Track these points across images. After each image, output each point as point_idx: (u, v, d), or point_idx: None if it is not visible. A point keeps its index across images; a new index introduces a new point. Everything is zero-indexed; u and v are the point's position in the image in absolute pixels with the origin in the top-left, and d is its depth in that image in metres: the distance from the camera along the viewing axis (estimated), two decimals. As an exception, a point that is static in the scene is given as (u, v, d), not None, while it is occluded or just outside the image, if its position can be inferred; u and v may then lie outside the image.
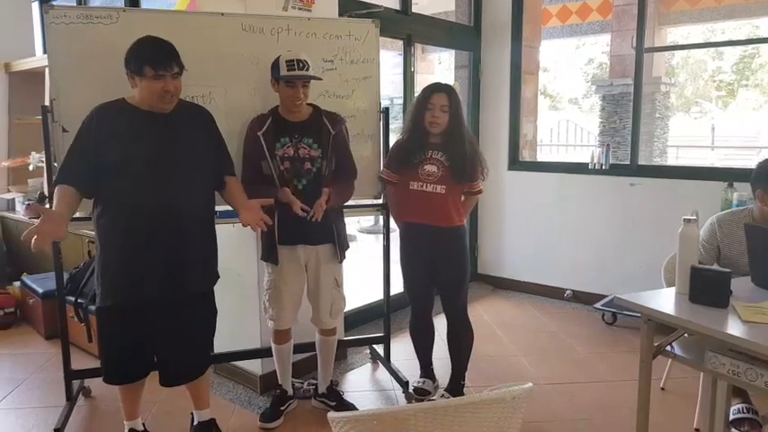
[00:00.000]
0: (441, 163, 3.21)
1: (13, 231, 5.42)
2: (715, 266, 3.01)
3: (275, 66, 2.94)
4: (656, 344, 2.43)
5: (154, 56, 2.50)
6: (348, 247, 3.28)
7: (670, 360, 2.63)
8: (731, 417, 2.91)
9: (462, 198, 3.34)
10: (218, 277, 2.87)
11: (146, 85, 2.51)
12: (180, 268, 2.65)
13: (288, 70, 2.89)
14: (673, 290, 2.50)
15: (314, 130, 3.04)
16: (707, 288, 2.33)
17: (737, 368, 2.11)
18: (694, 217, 2.46)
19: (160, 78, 2.50)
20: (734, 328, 2.11)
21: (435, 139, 3.23)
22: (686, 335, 2.47)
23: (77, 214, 2.68)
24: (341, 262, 3.19)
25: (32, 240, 2.26)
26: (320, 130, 3.05)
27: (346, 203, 3.31)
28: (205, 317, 2.86)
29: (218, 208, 2.91)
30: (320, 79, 3.07)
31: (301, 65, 2.90)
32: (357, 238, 8.56)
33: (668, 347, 2.44)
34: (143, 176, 2.56)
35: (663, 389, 3.57)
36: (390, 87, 5.96)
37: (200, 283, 2.77)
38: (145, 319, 2.67)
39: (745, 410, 2.97)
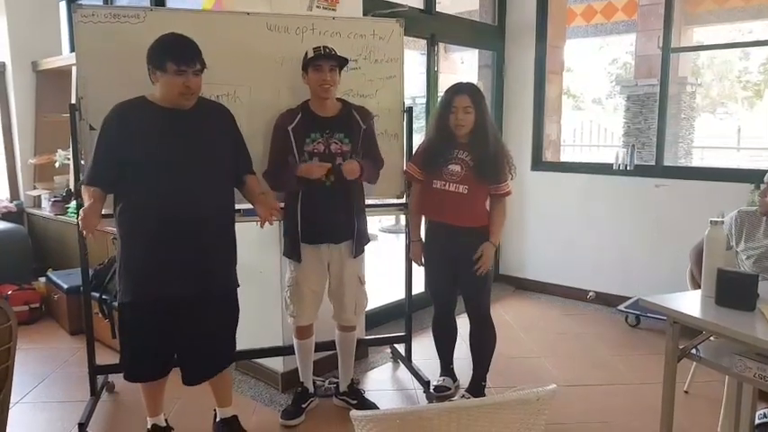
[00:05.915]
0: (465, 162, 3.20)
1: (39, 228, 5.49)
2: (741, 269, 2.97)
3: (304, 58, 2.98)
4: (680, 347, 2.41)
5: (176, 51, 2.52)
6: (368, 241, 3.28)
7: (694, 363, 2.60)
8: (757, 421, 2.87)
9: (488, 202, 3.28)
10: (238, 284, 2.89)
11: (167, 80, 2.52)
12: (201, 265, 2.67)
13: (314, 54, 2.94)
14: (698, 292, 2.47)
15: (345, 125, 3.06)
16: (733, 291, 2.29)
17: (764, 372, 2.09)
18: (721, 219, 2.44)
19: (182, 74, 2.51)
20: (761, 332, 2.08)
21: (462, 139, 3.22)
22: (712, 338, 2.45)
23: (102, 211, 2.72)
24: (356, 257, 3.19)
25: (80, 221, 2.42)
26: (351, 124, 3.08)
27: (369, 203, 3.32)
28: (227, 316, 2.87)
29: (242, 206, 2.94)
30: (347, 60, 3.08)
31: (327, 50, 2.95)
32: (378, 238, 8.55)
33: (693, 350, 2.41)
34: (163, 173, 2.58)
35: (687, 392, 3.52)
36: (413, 87, 5.95)
37: (222, 282, 2.78)
38: (166, 316, 2.68)
39: (771, 415, 2.93)
